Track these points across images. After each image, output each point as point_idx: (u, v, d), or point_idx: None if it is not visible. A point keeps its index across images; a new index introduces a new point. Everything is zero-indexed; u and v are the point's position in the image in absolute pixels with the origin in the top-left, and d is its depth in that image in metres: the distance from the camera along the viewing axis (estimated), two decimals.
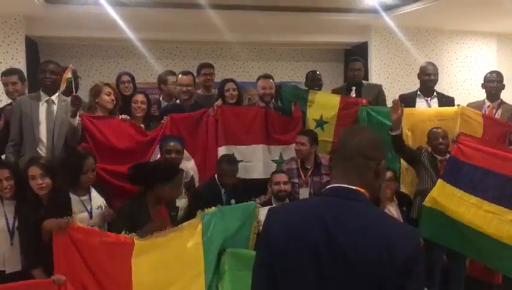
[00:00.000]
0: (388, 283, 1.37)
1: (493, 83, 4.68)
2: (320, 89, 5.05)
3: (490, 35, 7.46)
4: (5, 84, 4.14)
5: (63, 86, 3.73)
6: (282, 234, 1.49)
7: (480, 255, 3.69)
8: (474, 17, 6.48)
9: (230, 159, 3.90)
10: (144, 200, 3.20)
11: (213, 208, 3.17)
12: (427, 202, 3.71)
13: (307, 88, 4.92)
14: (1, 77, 4.21)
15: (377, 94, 4.81)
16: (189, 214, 3.56)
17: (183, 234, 3.06)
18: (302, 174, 4.14)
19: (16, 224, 3.02)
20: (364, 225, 1.43)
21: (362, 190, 1.50)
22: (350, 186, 1.49)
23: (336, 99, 4.63)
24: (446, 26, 7.02)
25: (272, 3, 6.08)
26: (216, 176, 3.88)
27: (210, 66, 4.95)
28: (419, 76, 4.81)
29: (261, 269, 1.54)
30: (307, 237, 1.45)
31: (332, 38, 7.04)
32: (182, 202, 3.73)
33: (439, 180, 3.71)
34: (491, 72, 4.80)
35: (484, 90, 4.77)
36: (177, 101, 4.62)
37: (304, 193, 4.08)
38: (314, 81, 5.06)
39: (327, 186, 1.57)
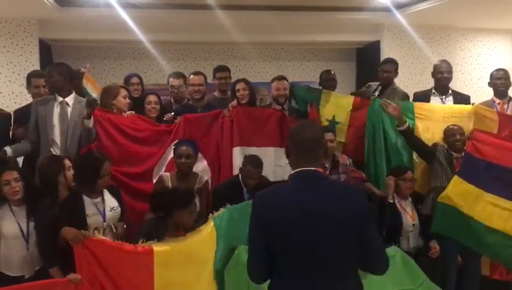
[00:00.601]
0: (352, 230, 2.01)
1: (500, 80, 4.63)
2: (334, 89, 5.01)
3: (504, 32, 7.35)
4: (36, 87, 4.13)
5: (93, 87, 3.71)
6: (273, 211, 2.03)
7: (495, 254, 3.63)
8: (488, 14, 6.39)
9: (255, 162, 3.83)
10: (164, 224, 3.22)
11: (221, 209, 3.15)
12: (441, 198, 3.67)
13: (320, 88, 4.89)
14: (31, 78, 4.19)
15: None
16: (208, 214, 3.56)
17: (198, 239, 3.05)
18: None
19: (30, 228, 3.02)
20: (329, 193, 2.06)
21: (320, 169, 2.12)
22: (312, 168, 2.07)
23: (349, 99, 4.60)
24: (459, 23, 6.94)
25: (283, 3, 6.06)
26: (240, 176, 3.86)
27: (225, 69, 4.91)
28: (433, 74, 4.78)
29: (257, 241, 2.06)
30: (291, 210, 2.01)
31: (344, 37, 7.00)
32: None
33: (455, 177, 3.68)
34: (498, 70, 4.76)
35: (492, 88, 4.71)
36: (190, 102, 4.63)
37: None
38: (328, 81, 5.00)
39: (295, 170, 2.10)
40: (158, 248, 2.93)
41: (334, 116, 4.54)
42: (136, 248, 2.93)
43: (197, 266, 3.01)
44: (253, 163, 3.79)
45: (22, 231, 3.00)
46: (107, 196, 3.29)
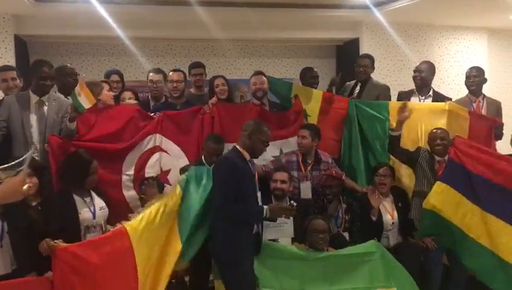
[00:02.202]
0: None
1: (469, 79, 4.74)
2: (317, 87, 5.03)
3: (481, 30, 7.49)
4: (4, 80, 4.01)
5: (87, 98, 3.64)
6: None
7: (470, 263, 3.62)
8: (464, 12, 6.51)
9: (217, 138, 3.90)
10: None
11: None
12: (426, 204, 3.68)
13: (290, 82, 4.88)
14: None
15: (377, 95, 4.78)
16: None
17: (165, 201, 3.25)
18: (302, 168, 4.15)
19: (4, 226, 2.98)
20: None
21: (238, 147, 3.33)
22: (234, 144, 3.38)
23: (318, 95, 4.62)
24: (437, 21, 7.04)
25: (263, 0, 6.06)
26: (203, 156, 3.88)
27: (200, 65, 4.91)
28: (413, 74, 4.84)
29: None
30: None
31: (324, 34, 7.04)
32: None
33: (438, 183, 3.68)
34: (471, 68, 4.85)
35: (466, 86, 4.82)
36: (169, 100, 4.60)
37: (305, 187, 4.09)
38: (312, 79, 4.99)
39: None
40: (129, 225, 3.06)
41: (304, 110, 4.58)
42: (109, 236, 3.02)
43: (163, 228, 3.19)
44: (214, 139, 3.85)
45: None
46: (95, 196, 3.38)
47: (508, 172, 3.54)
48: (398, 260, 3.57)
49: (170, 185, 3.91)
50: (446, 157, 3.92)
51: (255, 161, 3.68)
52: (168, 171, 4.14)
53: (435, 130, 4.09)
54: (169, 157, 4.11)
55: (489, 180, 3.54)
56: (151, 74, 4.66)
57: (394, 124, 4.21)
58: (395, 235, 3.96)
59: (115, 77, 4.70)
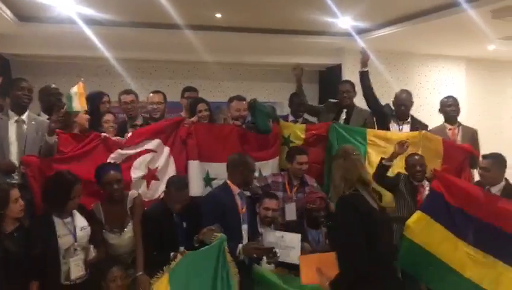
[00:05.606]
0: None
1: (450, 107, 4.83)
2: (304, 113, 5.11)
3: (459, 59, 7.71)
4: None
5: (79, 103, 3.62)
6: None
7: None
8: (444, 41, 6.70)
9: (181, 185, 3.63)
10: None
11: (178, 255, 2.99)
12: (406, 232, 3.64)
13: (276, 118, 4.83)
14: None
15: (364, 121, 4.87)
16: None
17: None
18: (288, 190, 4.17)
19: None
20: None
21: (228, 181, 3.59)
22: (225, 180, 3.63)
23: (302, 128, 4.68)
24: (417, 50, 7.23)
25: (248, 25, 6.17)
26: (163, 199, 3.67)
27: (194, 90, 5.00)
28: (394, 103, 4.93)
29: None
30: None
31: (307, 59, 7.13)
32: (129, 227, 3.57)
33: (419, 212, 3.65)
34: (448, 97, 4.94)
35: (443, 115, 4.90)
36: (148, 121, 4.61)
37: (290, 208, 4.13)
38: (299, 106, 5.08)
39: None
40: None
41: (289, 135, 4.63)
42: None
43: None
44: (178, 187, 3.59)
45: None
46: (77, 215, 3.26)
47: (488, 206, 3.48)
48: None
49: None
50: (424, 183, 4.02)
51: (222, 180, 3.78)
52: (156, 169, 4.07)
53: (415, 157, 4.14)
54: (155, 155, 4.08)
55: (470, 215, 3.47)
56: (123, 95, 4.69)
57: (372, 152, 4.39)
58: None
59: (106, 98, 4.73)
